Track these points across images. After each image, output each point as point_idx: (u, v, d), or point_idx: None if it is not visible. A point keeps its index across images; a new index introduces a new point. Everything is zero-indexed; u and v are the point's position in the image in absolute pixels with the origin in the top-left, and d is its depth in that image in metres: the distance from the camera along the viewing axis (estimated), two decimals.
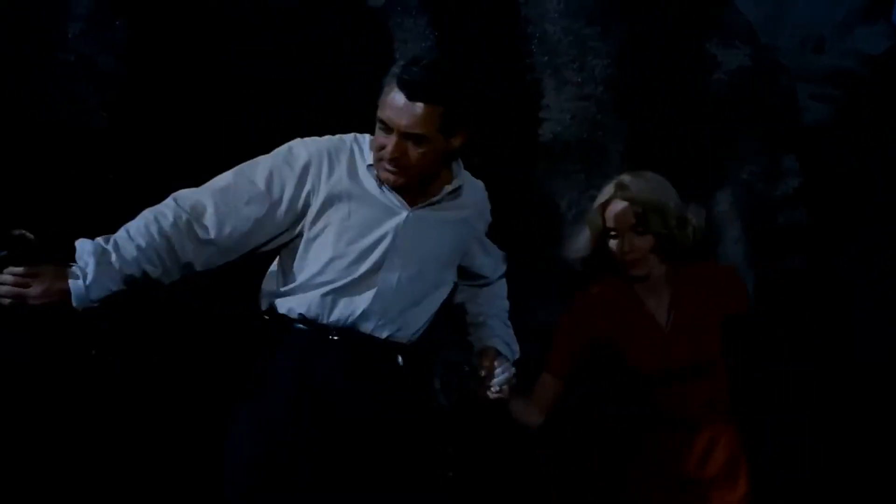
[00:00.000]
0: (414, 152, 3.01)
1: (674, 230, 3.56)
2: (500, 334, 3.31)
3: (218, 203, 3.01)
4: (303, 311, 3.07)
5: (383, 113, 2.97)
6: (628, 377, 3.63)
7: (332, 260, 3.10)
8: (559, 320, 3.56)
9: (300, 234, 3.07)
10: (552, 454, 3.92)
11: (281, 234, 3.05)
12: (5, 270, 2.72)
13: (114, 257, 2.86)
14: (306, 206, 3.11)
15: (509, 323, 3.32)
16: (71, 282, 2.78)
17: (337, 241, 3.10)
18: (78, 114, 3.77)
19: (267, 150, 2.98)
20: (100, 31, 3.78)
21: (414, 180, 3.11)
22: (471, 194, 3.25)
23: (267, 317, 3.03)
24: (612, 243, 3.53)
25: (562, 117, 4.58)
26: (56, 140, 3.71)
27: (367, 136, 3.10)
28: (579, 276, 3.62)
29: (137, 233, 2.91)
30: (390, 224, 3.12)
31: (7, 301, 2.79)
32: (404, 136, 3.00)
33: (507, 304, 3.38)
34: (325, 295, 3.06)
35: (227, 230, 3.00)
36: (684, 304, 3.65)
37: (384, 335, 3.03)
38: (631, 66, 4.60)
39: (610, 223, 3.54)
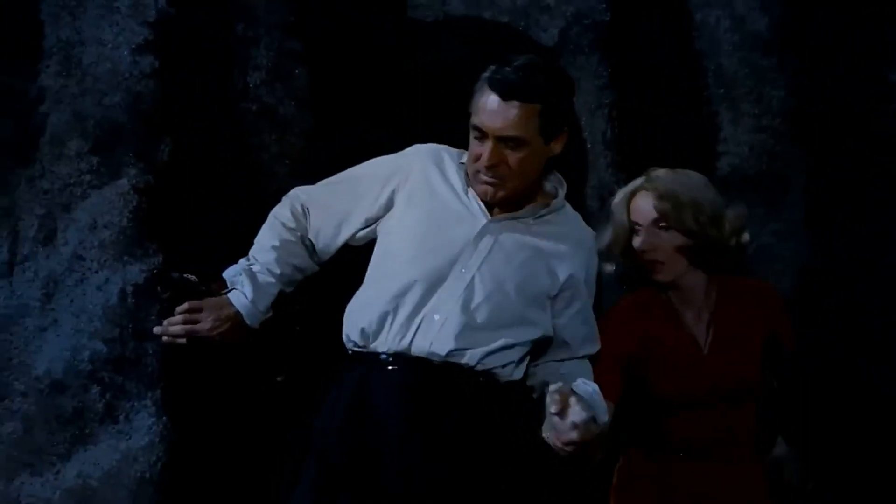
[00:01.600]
0: (513, 158, 2.88)
1: (706, 229, 3.21)
2: (586, 386, 2.90)
3: (321, 201, 3.03)
4: (357, 333, 2.89)
5: (477, 118, 2.84)
6: (652, 401, 3.26)
7: (385, 259, 2.92)
8: (607, 323, 3.27)
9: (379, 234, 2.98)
10: None
11: (365, 227, 2.99)
12: (175, 310, 2.85)
13: (257, 267, 2.93)
14: (390, 202, 3.00)
15: (597, 394, 2.87)
16: (236, 303, 2.86)
17: (405, 240, 2.92)
18: (261, 163, 3.89)
19: None
20: (281, 80, 3.90)
21: (516, 192, 2.94)
22: (573, 231, 3.02)
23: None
24: (635, 240, 3.22)
25: (739, 150, 4.55)
26: (239, 188, 3.84)
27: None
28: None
29: (266, 238, 2.99)
30: (466, 230, 2.90)
31: (182, 340, 2.90)
32: (501, 140, 2.85)
33: (594, 386, 2.92)
34: (381, 309, 2.86)
35: (327, 229, 3.00)
36: (726, 322, 3.28)
37: (445, 350, 2.78)
38: (809, 96, 4.53)
39: (634, 217, 3.22)
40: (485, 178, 2.93)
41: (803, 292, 4.40)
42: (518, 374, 2.84)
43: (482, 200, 2.93)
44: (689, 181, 3.27)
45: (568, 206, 3.02)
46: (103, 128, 3.59)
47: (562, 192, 3.06)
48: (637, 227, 3.22)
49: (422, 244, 2.89)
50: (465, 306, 2.77)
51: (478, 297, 2.79)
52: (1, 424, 3.27)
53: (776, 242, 4.50)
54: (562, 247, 2.92)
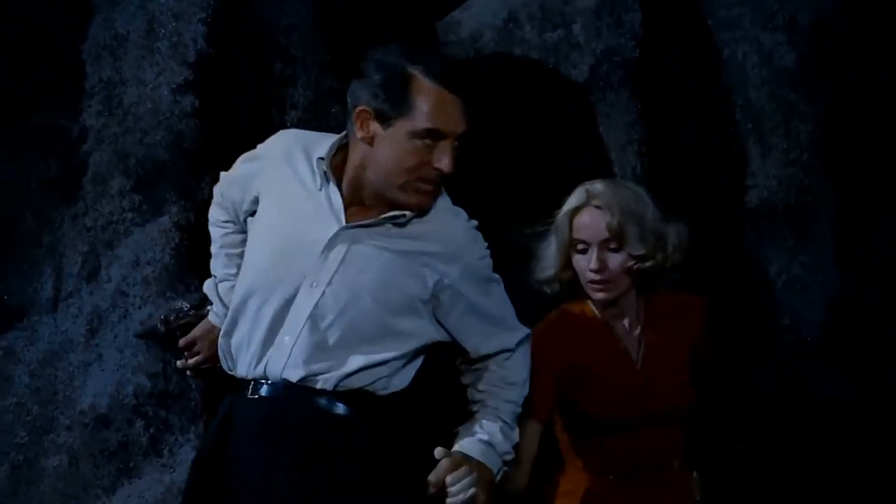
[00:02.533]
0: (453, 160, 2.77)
1: (652, 249, 3.12)
2: (481, 431, 2.74)
3: (221, 193, 2.98)
4: (223, 357, 2.77)
5: (431, 120, 2.66)
6: (583, 419, 3.14)
7: (249, 276, 2.72)
8: (536, 337, 3.09)
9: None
10: None
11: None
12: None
13: (218, 277, 2.95)
14: (255, 207, 2.82)
15: (509, 418, 2.77)
16: (216, 322, 2.88)
17: (257, 253, 2.75)
18: None
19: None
20: (318, 118, 4.00)
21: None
22: (441, 225, 2.77)
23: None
24: (579, 259, 3.09)
25: (768, 183, 4.59)
26: None
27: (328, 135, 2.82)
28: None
29: (212, 244, 3.01)
30: (316, 237, 2.66)
31: (192, 373, 2.93)
32: (457, 138, 2.73)
33: (516, 393, 2.80)
34: (239, 331, 2.70)
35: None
36: (655, 337, 3.20)
37: (298, 376, 2.58)
38: (837, 130, 4.58)
39: (579, 234, 3.10)
40: (432, 187, 2.75)
41: (834, 324, 4.42)
42: (400, 383, 2.65)
43: (417, 208, 2.74)
44: (636, 196, 3.18)
45: (441, 202, 2.78)
46: (145, 166, 3.68)
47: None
48: (581, 245, 3.13)
49: (272, 256, 2.68)
50: (315, 326, 2.58)
51: (329, 315, 2.59)
52: (47, 458, 3.34)
53: (806, 274, 4.53)
54: (429, 246, 2.70)
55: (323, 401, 2.63)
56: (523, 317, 3.05)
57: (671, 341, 3.24)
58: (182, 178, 3.57)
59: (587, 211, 3.10)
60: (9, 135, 3.74)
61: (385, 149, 2.67)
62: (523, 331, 2.89)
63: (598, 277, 3.10)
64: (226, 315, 2.82)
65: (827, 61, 4.71)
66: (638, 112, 4.64)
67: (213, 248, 3.06)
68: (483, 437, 2.65)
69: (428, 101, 2.66)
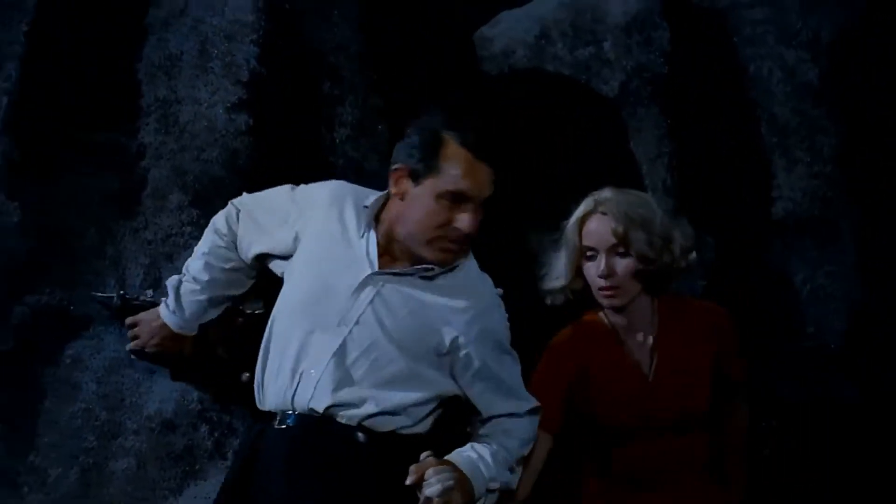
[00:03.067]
0: (477, 222, 2.99)
1: (659, 252, 3.18)
2: (473, 451, 2.82)
3: (247, 214, 3.15)
4: (256, 388, 2.97)
5: (460, 183, 2.85)
6: (597, 430, 3.19)
7: (275, 315, 2.92)
8: (536, 372, 3.13)
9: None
10: None
11: (272, 258, 3.08)
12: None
13: (186, 277, 3.14)
14: (294, 242, 3.05)
15: (504, 457, 2.86)
16: (161, 314, 3.05)
17: (293, 289, 2.94)
18: None
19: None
20: (365, 136, 4.10)
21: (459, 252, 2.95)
22: (465, 287, 2.90)
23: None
24: (589, 266, 3.16)
25: (793, 195, 4.70)
26: None
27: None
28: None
29: (200, 245, 3.22)
30: (349, 279, 2.83)
31: (133, 355, 3.16)
32: (482, 203, 2.92)
33: (516, 444, 2.90)
34: (271, 364, 2.89)
35: (242, 242, 3.12)
36: (670, 346, 3.19)
37: (323, 407, 2.74)
38: (859, 143, 4.69)
39: (588, 241, 3.18)
40: (455, 246, 2.96)
41: (856, 331, 4.52)
42: (421, 429, 2.79)
43: (440, 264, 2.93)
44: (641, 202, 3.27)
45: (469, 263, 2.95)
46: (202, 182, 3.81)
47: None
48: (590, 252, 3.21)
49: (307, 294, 2.84)
50: (340, 361, 2.73)
51: (354, 352, 2.74)
52: (115, 461, 3.46)
53: (829, 283, 4.63)
54: (452, 302, 2.85)
55: (345, 433, 2.80)
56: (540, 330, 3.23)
57: (688, 350, 3.29)
58: (237, 193, 3.69)
59: (595, 218, 3.20)
60: (71, 152, 3.85)
61: (414, 205, 2.87)
62: (533, 402, 3.01)
63: (606, 283, 3.17)
64: (175, 311, 3.13)
65: (848, 77, 4.83)
66: (667, 126, 4.75)
67: (198, 251, 3.28)
68: (473, 456, 2.75)
69: (456, 165, 2.86)
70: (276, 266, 3.11)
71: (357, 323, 2.76)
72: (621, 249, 3.15)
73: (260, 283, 3.37)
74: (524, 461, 2.96)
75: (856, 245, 4.68)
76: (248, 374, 3.11)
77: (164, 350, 3.24)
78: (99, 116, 3.99)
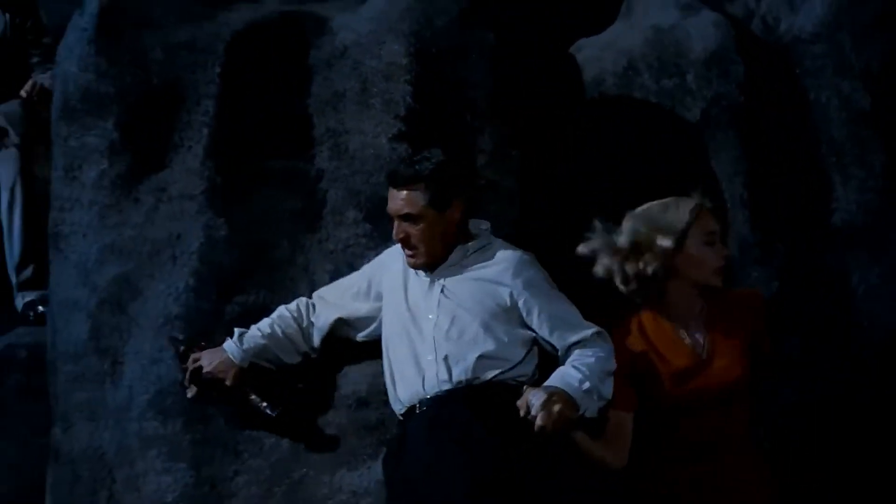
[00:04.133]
0: (414, 231, 3.83)
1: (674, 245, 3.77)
2: (558, 371, 3.52)
3: (328, 291, 4.14)
4: (393, 403, 3.93)
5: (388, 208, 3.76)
6: (654, 408, 3.79)
7: (386, 342, 3.87)
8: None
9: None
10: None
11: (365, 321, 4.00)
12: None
13: (255, 330, 4.05)
14: (378, 294, 4.00)
15: (587, 371, 3.50)
16: (225, 346, 4.03)
17: (388, 321, 3.88)
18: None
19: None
20: (501, 160, 4.83)
21: (431, 257, 3.86)
22: (500, 256, 3.72)
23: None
24: (706, 250, 3.84)
25: (849, 207, 5.31)
26: None
27: None
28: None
29: (268, 317, 4.11)
30: (420, 291, 3.72)
31: (185, 382, 4.07)
32: (401, 219, 3.84)
33: (593, 358, 3.55)
34: (396, 377, 3.83)
35: (326, 306, 4.07)
36: (717, 330, 3.78)
37: (446, 377, 3.55)
38: None
39: (709, 227, 3.83)
40: (403, 251, 3.92)
41: None
42: (520, 374, 3.54)
43: (412, 267, 3.75)
44: (653, 211, 3.94)
45: (495, 240, 3.80)
46: (373, 201, 4.32)
47: (484, 229, 3.82)
48: (710, 238, 3.89)
49: (399, 317, 3.72)
50: (441, 338, 3.57)
51: (444, 327, 3.57)
52: (322, 432, 4.21)
53: (881, 283, 5.27)
54: (493, 271, 3.65)
55: (469, 393, 3.60)
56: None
57: (731, 331, 3.91)
58: None
59: (705, 213, 3.99)
60: (261, 177, 4.51)
61: None
62: (595, 328, 3.65)
63: (724, 263, 3.95)
64: (237, 343, 4.05)
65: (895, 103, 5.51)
66: (742, 149, 5.38)
67: (270, 318, 4.15)
68: (561, 371, 3.50)
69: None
70: (352, 329, 4.01)
71: (438, 308, 3.63)
72: (722, 236, 3.94)
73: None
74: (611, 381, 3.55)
75: None
76: (278, 410, 4.02)
77: (215, 375, 4.05)
78: (281, 145, 4.67)
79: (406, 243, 3.71)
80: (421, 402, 3.57)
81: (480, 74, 4.83)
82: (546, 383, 3.44)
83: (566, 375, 3.45)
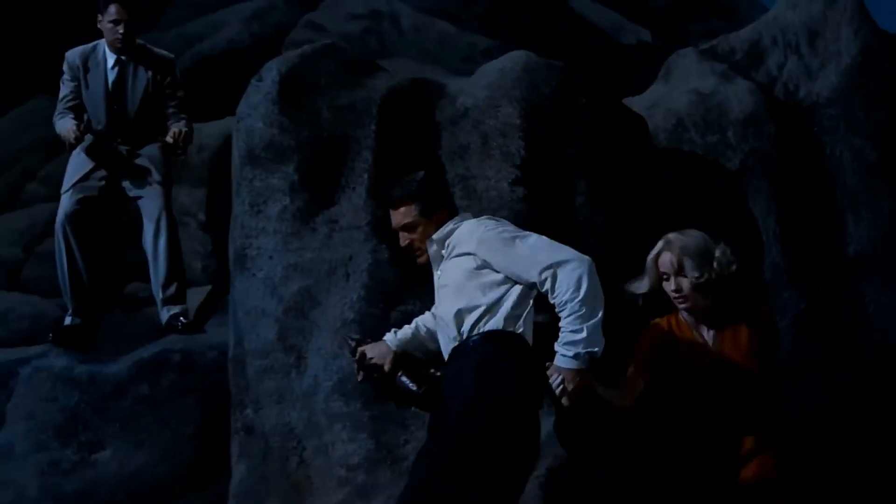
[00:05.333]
0: (413, 237, 4.66)
1: (705, 269, 4.34)
2: (559, 340, 4.25)
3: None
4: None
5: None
6: (674, 400, 4.39)
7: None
8: (641, 335, 4.53)
9: None
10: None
11: None
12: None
13: (405, 325, 5.16)
14: None
15: (568, 319, 4.20)
16: (385, 335, 5.10)
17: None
18: None
19: None
20: (595, 198, 5.96)
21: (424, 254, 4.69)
22: (464, 230, 4.55)
23: None
24: (665, 285, 4.47)
25: (861, 241, 6.60)
26: None
27: None
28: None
29: (415, 322, 4.97)
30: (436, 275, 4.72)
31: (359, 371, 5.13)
32: (402, 229, 4.68)
33: (567, 310, 4.20)
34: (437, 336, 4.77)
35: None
36: (726, 331, 4.37)
37: (455, 332, 4.45)
38: None
39: (661, 269, 4.46)
40: (409, 255, 4.72)
41: None
42: (501, 321, 4.31)
43: (421, 266, 4.75)
44: (692, 239, 4.50)
45: (465, 223, 4.65)
46: None
47: (451, 222, 4.64)
48: (665, 275, 4.48)
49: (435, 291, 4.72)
50: (446, 299, 4.51)
51: (447, 292, 4.52)
52: None
53: (889, 304, 6.47)
54: (459, 246, 4.50)
55: (467, 340, 4.40)
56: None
57: (736, 333, 4.39)
58: None
59: (664, 254, 4.56)
60: None
61: None
62: (559, 257, 4.31)
63: (677, 296, 4.47)
64: (394, 332, 5.07)
65: None
66: (774, 193, 6.56)
67: (418, 317, 5.18)
68: (556, 351, 4.26)
69: None
70: None
71: (441, 285, 4.59)
72: (682, 273, 4.42)
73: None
74: (594, 307, 4.19)
75: None
76: (422, 389, 4.88)
77: (376, 362, 4.84)
78: None
79: (410, 248, 4.66)
80: (444, 351, 4.58)
81: (576, 130, 5.95)
82: (553, 363, 4.25)
83: (558, 358, 4.21)
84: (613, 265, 5.10)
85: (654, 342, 4.51)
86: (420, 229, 4.63)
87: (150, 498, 6.41)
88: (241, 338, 5.77)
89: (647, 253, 4.78)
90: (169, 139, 7.06)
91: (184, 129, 7.08)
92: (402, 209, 4.63)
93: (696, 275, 4.36)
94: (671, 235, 4.54)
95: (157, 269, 7.08)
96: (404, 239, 4.64)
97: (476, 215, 5.23)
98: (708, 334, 4.46)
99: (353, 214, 5.64)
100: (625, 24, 10.36)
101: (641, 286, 4.62)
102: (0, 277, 9.31)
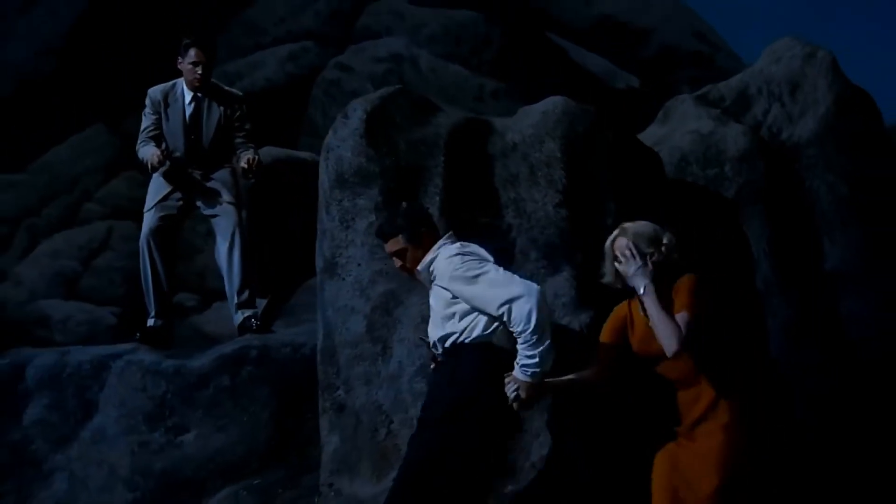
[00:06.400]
0: (405, 260, 5.54)
1: (657, 251, 5.08)
2: (517, 360, 5.15)
3: None
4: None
5: None
6: (643, 377, 5.21)
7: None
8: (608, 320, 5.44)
9: None
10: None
11: None
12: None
13: None
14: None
15: (522, 344, 5.13)
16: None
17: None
18: None
19: None
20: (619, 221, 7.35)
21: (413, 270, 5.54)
22: (439, 267, 5.37)
23: None
24: (619, 266, 5.18)
25: (835, 260, 7.85)
26: None
27: None
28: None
29: None
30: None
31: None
32: (393, 255, 5.60)
33: (523, 339, 5.13)
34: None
35: None
36: (664, 306, 4.99)
37: (435, 345, 5.48)
38: (874, 232, 7.93)
39: (617, 251, 5.21)
40: (405, 274, 5.72)
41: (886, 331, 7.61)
42: (473, 336, 5.33)
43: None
44: (643, 226, 5.26)
45: (443, 249, 5.50)
46: (547, 247, 6.83)
47: (434, 248, 5.49)
48: (618, 257, 5.17)
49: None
50: (433, 321, 5.49)
51: (432, 314, 5.47)
52: None
53: (860, 310, 7.70)
54: (439, 277, 5.34)
55: (451, 352, 5.44)
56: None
57: (670, 307, 4.96)
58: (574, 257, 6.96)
59: (618, 239, 5.28)
60: (474, 228, 6.73)
61: None
62: (506, 296, 5.19)
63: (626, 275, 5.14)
64: None
65: (865, 189, 8.05)
66: (765, 218, 7.78)
67: None
68: (515, 367, 5.20)
69: None
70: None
71: (431, 306, 5.50)
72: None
73: None
74: (542, 333, 5.12)
75: (875, 285, 7.81)
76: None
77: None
78: (484, 208, 7.03)
79: (403, 269, 5.61)
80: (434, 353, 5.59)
81: (605, 162, 7.13)
82: (512, 374, 5.16)
83: (517, 371, 5.13)
84: None
85: (614, 321, 5.36)
86: (409, 254, 5.55)
87: (230, 474, 7.47)
88: (331, 331, 7.00)
89: (661, 259, 5.46)
90: (244, 165, 8.27)
91: (256, 157, 8.27)
92: (392, 241, 5.59)
93: (647, 251, 5.17)
94: (626, 224, 5.34)
95: (232, 279, 8.31)
96: (397, 262, 5.60)
97: (527, 231, 6.70)
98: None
99: None
100: (617, 72, 11.79)
101: (605, 272, 5.39)
102: (60, 288, 10.51)
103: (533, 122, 7.24)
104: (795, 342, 7.50)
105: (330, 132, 7.07)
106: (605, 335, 5.38)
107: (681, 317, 4.95)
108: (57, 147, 11.90)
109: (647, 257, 5.05)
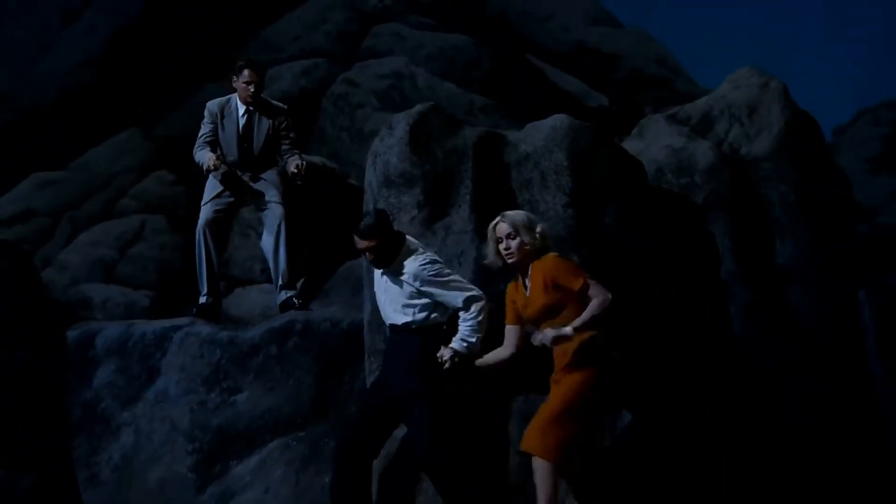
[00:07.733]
0: (374, 254, 6.72)
1: (526, 235, 6.24)
2: (458, 336, 6.63)
3: None
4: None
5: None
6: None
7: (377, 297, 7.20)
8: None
9: None
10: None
11: None
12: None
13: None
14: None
15: (468, 327, 6.63)
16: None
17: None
18: None
19: None
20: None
21: (385, 263, 6.77)
22: (407, 265, 6.68)
23: None
24: (500, 247, 6.39)
25: (787, 257, 9.61)
26: None
27: None
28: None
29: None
30: (379, 278, 6.97)
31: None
32: (365, 250, 6.79)
33: (467, 322, 6.65)
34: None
35: None
36: (535, 280, 6.26)
37: (389, 323, 6.90)
38: (833, 223, 9.56)
39: (497, 234, 6.43)
40: (372, 264, 6.94)
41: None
42: (430, 322, 6.81)
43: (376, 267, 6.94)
44: (520, 213, 6.52)
45: (410, 249, 6.80)
46: (558, 241, 8.39)
47: (405, 252, 6.76)
48: (500, 239, 6.38)
49: (378, 290, 7.06)
50: (387, 305, 6.84)
51: (388, 300, 6.76)
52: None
53: (807, 302, 9.41)
54: (402, 274, 6.63)
55: (404, 329, 6.91)
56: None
57: (540, 280, 6.32)
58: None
59: (500, 224, 6.50)
60: None
61: None
62: (463, 297, 6.74)
63: (507, 253, 6.42)
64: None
65: (814, 197, 9.69)
66: (729, 220, 9.45)
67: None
68: (454, 339, 6.73)
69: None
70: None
71: (385, 290, 6.84)
72: (511, 234, 6.33)
73: None
74: (483, 325, 6.73)
75: (817, 278, 9.50)
76: None
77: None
78: (505, 208, 8.51)
79: (373, 261, 6.82)
80: (390, 326, 6.94)
81: (604, 170, 8.45)
82: (450, 345, 6.64)
83: (455, 340, 6.56)
84: (627, 261, 7.82)
85: (508, 304, 6.57)
86: (377, 249, 6.75)
87: (279, 429, 8.23)
88: (377, 305, 8.41)
89: (646, 251, 7.16)
90: (293, 170, 9.55)
91: (304, 163, 9.56)
92: (366, 240, 6.77)
93: (525, 240, 6.30)
94: (507, 212, 6.51)
95: (278, 265, 9.56)
96: (369, 256, 6.80)
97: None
98: (526, 283, 6.45)
99: (462, 223, 7.77)
100: (590, 92, 13.39)
101: (488, 253, 6.60)
102: (100, 273, 11.88)
103: (543, 136, 8.51)
104: (753, 323, 9.02)
105: (377, 140, 8.13)
106: (507, 318, 6.62)
107: (585, 286, 6.38)
108: (95, 148, 13.22)
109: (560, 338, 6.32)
